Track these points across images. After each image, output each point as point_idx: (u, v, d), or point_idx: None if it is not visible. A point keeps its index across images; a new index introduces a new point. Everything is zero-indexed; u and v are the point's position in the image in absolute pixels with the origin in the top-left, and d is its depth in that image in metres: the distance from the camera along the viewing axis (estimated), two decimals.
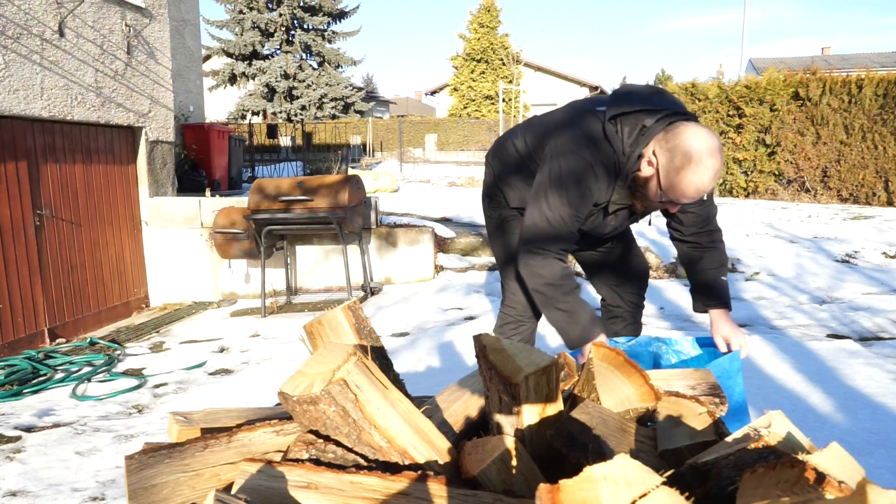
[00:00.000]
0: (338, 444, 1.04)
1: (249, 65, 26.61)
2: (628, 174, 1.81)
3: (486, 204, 2.35)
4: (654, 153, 1.74)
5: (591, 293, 5.49)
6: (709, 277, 2.18)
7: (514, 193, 2.17)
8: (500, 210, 2.27)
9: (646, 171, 1.77)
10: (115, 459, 2.93)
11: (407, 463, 1.00)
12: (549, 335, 4.24)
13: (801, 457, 0.70)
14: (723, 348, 2.10)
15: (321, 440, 1.05)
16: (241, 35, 26.31)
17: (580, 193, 1.83)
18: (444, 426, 1.17)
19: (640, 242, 6.76)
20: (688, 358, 2.12)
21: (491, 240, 2.38)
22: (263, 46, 26.76)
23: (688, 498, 0.66)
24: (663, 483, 0.65)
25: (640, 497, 0.63)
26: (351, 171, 12.50)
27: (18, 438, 3.27)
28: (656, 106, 1.78)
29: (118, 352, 4.91)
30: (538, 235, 1.88)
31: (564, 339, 1.90)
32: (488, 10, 29.62)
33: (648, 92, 1.86)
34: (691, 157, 1.66)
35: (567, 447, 0.97)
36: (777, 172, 9.98)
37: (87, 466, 2.88)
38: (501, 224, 2.29)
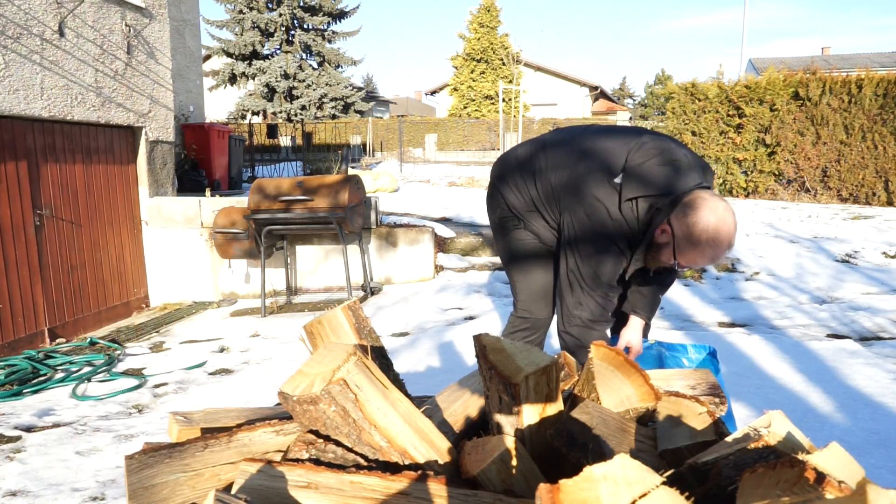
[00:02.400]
0: (338, 443, 1.04)
1: (249, 65, 26.61)
2: (643, 246, 1.94)
3: (490, 204, 2.38)
4: (668, 222, 1.84)
5: None
6: (649, 290, 2.23)
7: (541, 229, 2.22)
8: (503, 209, 2.30)
9: (660, 238, 1.87)
10: (116, 459, 2.93)
11: (407, 463, 1.00)
12: (549, 335, 4.24)
13: (801, 457, 0.70)
14: (621, 346, 2.20)
15: (321, 440, 1.05)
16: (241, 35, 26.31)
17: (623, 235, 1.95)
18: (444, 426, 1.17)
19: None
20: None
21: (505, 234, 2.40)
22: (263, 46, 26.76)
23: (688, 498, 0.66)
24: (663, 483, 0.65)
25: (640, 497, 0.63)
26: (351, 171, 12.50)
27: (18, 438, 3.27)
28: (671, 190, 1.86)
29: (118, 352, 4.91)
30: (605, 282, 2.02)
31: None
32: (488, 10, 29.63)
33: (662, 163, 1.91)
34: (709, 235, 1.77)
35: (567, 447, 0.97)
36: (777, 172, 9.98)
37: (87, 466, 2.88)
38: (503, 222, 2.32)
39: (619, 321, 2.46)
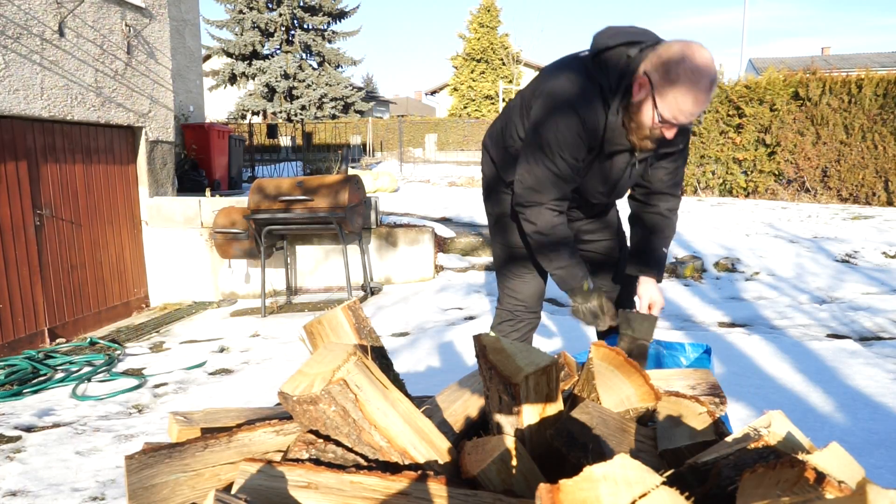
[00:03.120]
0: (338, 443, 1.04)
1: (249, 65, 26.61)
2: (619, 108, 1.78)
3: (488, 198, 2.32)
4: (644, 73, 1.70)
5: None
6: (654, 246, 2.15)
7: None
8: (503, 206, 2.25)
9: (638, 95, 1.72)
10: (115, 459, 2.93)
11: (407, 463, 1.00)
12: (549, 335, 4.24)
13: (801, 457, 0.70)
14: (644, 308, 2.15)
15: (321, 440, 1.05)
16: (241, 35, 26.32)
17: (568, 140, 1.82)
18: (444, 426, 1.17)
19: None
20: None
21: (492, 236, 2.36)
22: (263, 46, 26.76)
23: (688, 498, 0.66)
24: (663, 483, 0.65)
25: (640, 497, 0.63)
26: (351, 171, 12.50)
27: (18, 438, 3.27)
28: (639, 38, 1.77)
29: (118, 352, 4.91)
30: (530, 187, 1.92)
31: (560, 286, 2.03)
32: (488, 10, 29.63)
33: (630, 28, 1.85)
34: (688, 68, 1.62)
35: (567, 447, 0.97)
36: (777, 172, 9.98)
37: (87, 466, 2.88)
38: (501, 219, 2.28)
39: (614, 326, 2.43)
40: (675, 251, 6.04)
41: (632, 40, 1.77)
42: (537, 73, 2.19)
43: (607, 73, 1.78)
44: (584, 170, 1.95)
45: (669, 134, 1.76)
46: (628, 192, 2.21)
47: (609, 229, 2.34)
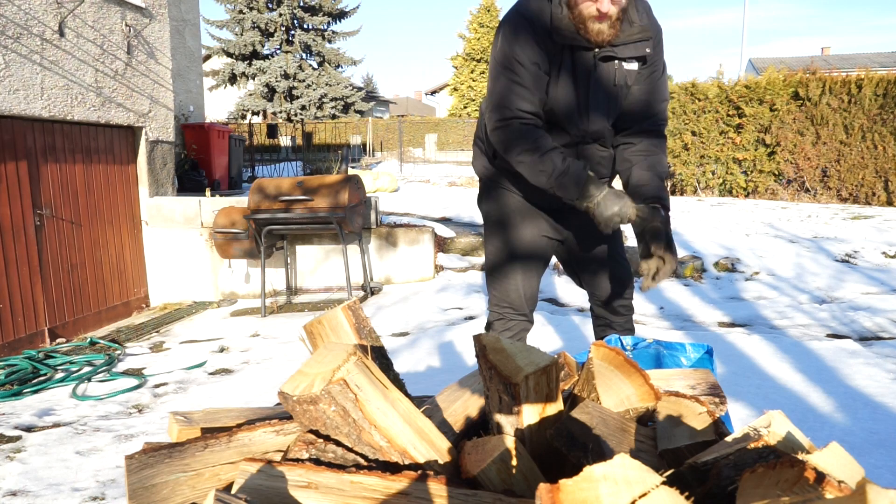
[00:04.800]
0: (338, 443, 1.04)
1: (249, 65, 26.61)
2: (562, 3, 1.81)
3: (481, 198, 2.29)
4: None
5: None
6: (645, 177, 1.97)
7: None
8: (495, 202, 2.21)
9: None
10: (116, 459, 2.93)
11: (407, 463, 1.00)
12: (549, 335, 4.24)
13: (800, 456, 0.70)
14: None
15: (321, 440, 1.05)
16: (241, 35, 26.31)
17: (519, 42, 1.83)
18: (444, 426, 1.17)
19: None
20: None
21: (489, 234, 2.29)
22: (263, 46, 26.76)
23: (688, 498, 0.66)
24: (663, 483, 0.65)
25: (640, 497, 0.63)
26: (351, 171, 12.50)
27: (19, 438, 3.27)
28: None
29: (118, 351, 4.91)
30: (496, 106, 1.89)
31: (570, 195, 1.86)
32: (488, 10, 29.63)
33: None
34: None
35: (567, 447, 0.97)
36: (777, 172, 9.98)
37: (87, 466, 2.88)
38: (490, 217, 2.25)
39: (602, 326, 2.39)
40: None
41: None
42: None
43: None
44: (551, 85, 1.89)
45: (603, 6, 1.73)
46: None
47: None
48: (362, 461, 1.02)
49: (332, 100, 27.14)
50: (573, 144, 2.01)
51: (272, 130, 17.76)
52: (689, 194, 10.57)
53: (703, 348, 2.11)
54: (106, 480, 2.73)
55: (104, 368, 4.47)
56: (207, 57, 26.41)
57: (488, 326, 2.32)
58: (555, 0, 1.82)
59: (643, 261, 1.84)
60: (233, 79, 26.98)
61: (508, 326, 2.24)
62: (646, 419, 1.15)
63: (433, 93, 34.46)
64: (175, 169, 7.34)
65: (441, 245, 6.74)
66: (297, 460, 0.99)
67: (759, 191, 10.15)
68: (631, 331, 2.36)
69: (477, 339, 1.11)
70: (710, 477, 0.85)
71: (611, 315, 2.32)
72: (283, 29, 26.51)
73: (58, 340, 5.51)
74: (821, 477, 0.65)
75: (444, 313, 5.08)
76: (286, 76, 26.39)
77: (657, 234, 1.81)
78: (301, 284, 6.50)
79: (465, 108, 29.81)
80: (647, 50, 1.92)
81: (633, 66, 1.93)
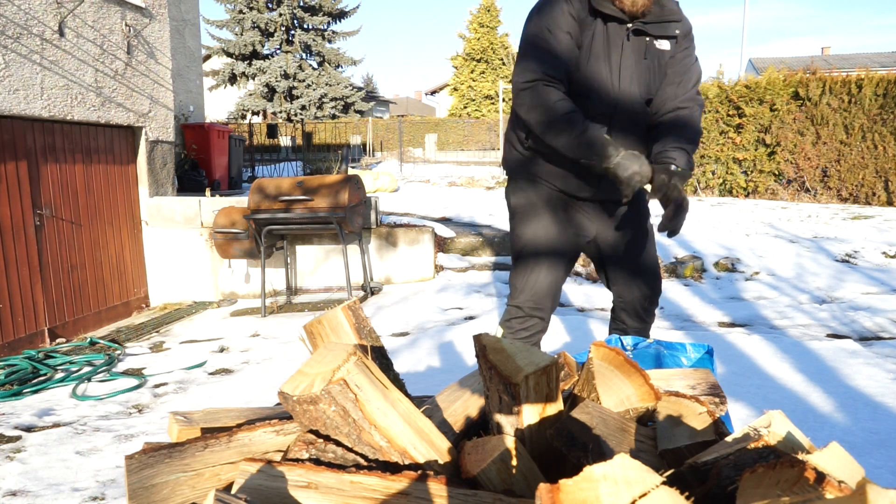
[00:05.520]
0: (338, 443, 1.04)
1: (249, 65, 26.61)
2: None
3: (517, 185, 2.22)
4: None
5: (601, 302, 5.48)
6: (668, 143, 1.97)
7: None
8: (540, 190, 2.17)
9: None
10: (116, 459, 2.93)
11: (407, 462, 1.00)
12: (549, 334, 4.24)
13: (800, 456, 0.70)
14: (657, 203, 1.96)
15: (321, 440, 1.05)
16: (241, 35, 26.31)
17: (551, 14, 1.90)
18: (444, 426, 1.17)
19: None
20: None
21: (518, 225, 2.23)
22: (263, 46, 26.76)
23: (688, 498, 0.66)
24: (663, 483, 0.65)
25: (640, 497, 0.63)
26: (351, 171, 12.50)
27: (18, 438, 3.27)
28: None
29: (118, 351, 4.91)
30: (522, 69, 1.93)
31: (589, 156, 1.87)
32: (488, 10, 29.63)
33: None
34: None
35: (567, 447, 0.97)
36: (777, 172, 9.98)
37: (87, 466, 2.88)
38: (518, 208, 2.21)
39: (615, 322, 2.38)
40: (675, 251, 6.04)
41: None
42: None
43: None
44: (583, 56, 1.95)
45: None
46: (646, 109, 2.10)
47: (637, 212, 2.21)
48: (362, 461, 1.02)
49: (332, 100, 27.14)
50: (606, 116, 2.02)
51: (272, 130, 17.76)
52: (689, 194, 10.57)
53: (703, 348, 2.11)
54: (106, 480, 2.73)
55: (104, 368, 4.47)
56: (207, 57, 26.42)
57: (505, 322, 2.24)
58: None
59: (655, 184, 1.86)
60: (233, 79, 26.98)
61: (526, 326, 2.18)
62: (646, 419, 1.15)
63: (433, 93, 34.46)
64: (175, 169, 7.34)
65: (441, 245, 6.74)
66: (297, 460, 0.99)
67: (759, 191, 10.15)
68: (646, 326, 2.34)
69: (477, 339, 1.11)
70: (710, 477, 0.85)
71: (630, 319, 2.29)
72: (283, 29, 26.51)
73: (58, 340, 5.51)
74: (821, 477, 0.65)
75: (444, 313, 5.08)
76: (286, 76, 26.39)
77: (681, 205, 1.86)
78: (301, 284, 6.50)
79: (465, 108, 29.81)
80: (677, 31, 1.98)
81: (665, 45, 1.99)
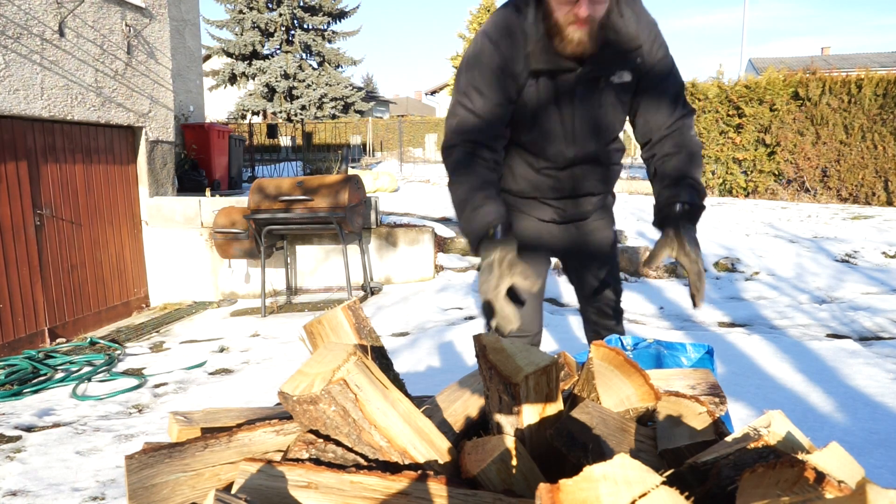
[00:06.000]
0: (338, 443, 1.04)
1: (249, 65, 26.61)
2: (535, 17, 1.61)
3: None
4: None
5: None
6: (673, 173, 1.71)
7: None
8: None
9: None
10: (116, 459, 2.93)
11: (407, 462, 1.00)
12: (549, 335, 4.24)
13: (800, 456, 0.70)
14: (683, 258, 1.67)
15: (321, 440, 1.05)
16: (241, 35, 26.31)
17: (486, 74, 1.64)
18: (444, 426, 1.17)
19: (640, 242, 6.75)
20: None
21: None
22: (263, 46, 26.75)
23: (688, 497, 0.66)
24: (663, 483, 0.65)
25: (640, 497, 0.63)
26: (351, 171, 12.50)
27: (19, 438, 3.27)
28: None
29: (118, 351, 4.91)
30: (451, 130, 1.70)
31: (468, 235, 1.60)
32: (488, 10, 29.60)
33: None
34: None
35: (567, 447, 0.97)
36: (777, 172, 9.98)
37: (87, 466, 2.88)
38: (518, 224, 2.09)
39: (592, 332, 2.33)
40: None
41: None
42: None
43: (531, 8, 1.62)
44: (529, 113, 1.74)
45: (581, 10, 1.52)
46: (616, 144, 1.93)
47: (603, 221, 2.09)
48: (362, 461, 1.02)
49: (332, 100, 27.14)
50: (564, 169, 1.87)
51: (272, 130, 17.76)
52: None
53: (703, 348, 2.11)
54: (106, 480, 2.73)
55: (104, 368, 4.47)
56: (207, 57, 26.42)
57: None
58: (528, 16, 1.62)
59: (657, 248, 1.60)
60: (233, 79, 26.98)
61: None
62: (646, 419, 1.15)
63: (433, 93, 34.45)
64: (175, 169, 7.34)
65: (441, 245, 6.74)
66: (297, 460, 0.99)
67: (759, 191, 10.15)
68: (622, 334, 2.32)
69: (477, 338, 1.11)
70: (710, 477, 0.85)
71: (603, 319, 2.27)
72: (283, 29, 26.51)
73: (58, 340, 5.51)
74: (821, 477, 0.65)
75: (444, 313, 5.08)
76: (286, 76, 26.38)
77: (671, 219, 1.59)
78: (301, 284, 6.50)
79: None
80: (638, 60, 1.71)
81: (626, 78, 1.74)
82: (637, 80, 1.75)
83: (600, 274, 2.20)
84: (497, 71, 1.64)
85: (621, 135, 1.99)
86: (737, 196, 10.32)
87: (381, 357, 1.31)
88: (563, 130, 1.77)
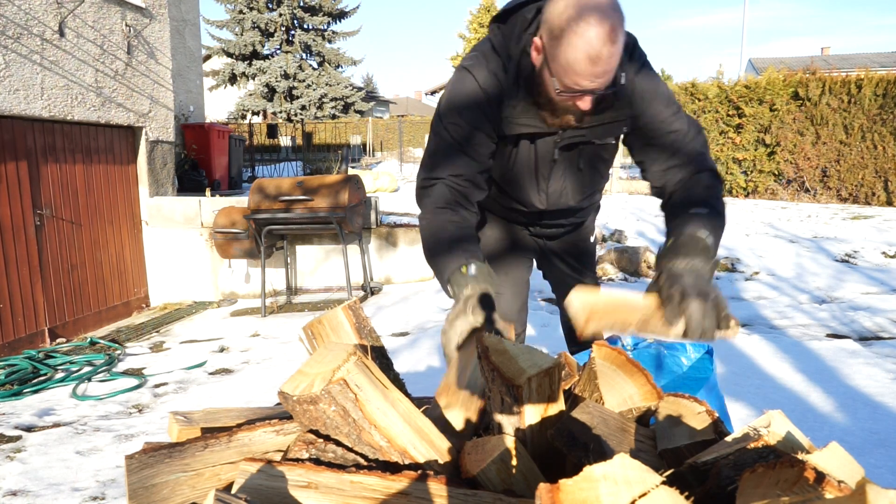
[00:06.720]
0: (338, 443, 1.04)
1: (249, 65, 26.61)
2: (519, 79, 1.51)
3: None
4: (540, 37, 1.41)
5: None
6: (680, 214, 1.44)
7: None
8: (487, 231, 2.14)
9: (536, 59, 1.44)
10: (116, 459, 2.93)
11: (407, 462, 1.00)
12: (549, 334, 4.24)
13: (800, 456, 0.70)
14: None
15: (321, 440, 1.05)
16: (241, 35, 26.31)
17: (463, 99, 1.55)
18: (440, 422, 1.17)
19: (640, 242, 6.74)
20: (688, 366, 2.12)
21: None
22: (263, 46, 26.76)
23: (687, 497, 0.66)
24: (663, 482, 0.65)
25: (640, 496, 0.63)
26: (351, 171, 12.50)
27: (19, 438, 3.27)
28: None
29: (118, 351, 4.91)
30: (426, 165, 1.59)
31: (440, 281, 1.47)
32: (488, 10, 29.59)
33: None
34: (574, 14, 1.31)
35: (568, 447, 0.97)
36: (777, 172, 9.98)
37: (87, 466, 2.88)
38: (490, 247, 2.14)
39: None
40: None
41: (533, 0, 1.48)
42: None
43: (509, 42, 1.52)
44: (503, 166, 1.69)
45: (584, 104, 1.42)
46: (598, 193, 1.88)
47: (573, 252, 2.08)
48: (362, 461, 1.02)
49: (332, 100, 27.14)
50: (531, 212, 1.83)
51: (272, 130, 17.77)
52: None
53: (703, 348, 2.12)
54: (106, 480, 2.73)
55: (104, 368, 4.47)
56: (207, 57, 26.41)
57: None
58: (510, 74, 1.51)
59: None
60: (233, 79, 26.98)
61: None
62: (646, 419, 1.15)
63: (433, 93, 34.40)
64: (175, 169, 7.34)
65: None
66: (297, 460, 0.99)
67: (759, 191, 10.15)
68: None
69: (479, 340, 1.11)
70: (709, 477, 0.85)
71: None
72: (283, 29, 26.51)
73: (58, 340, 5.51)
74: (820, 477, 0.65)
75: (444, 313, 5.08)
76: (286, 76, 26.38)
77: (673, 278, 1.26)
78: (301, 284, 6.50)
79: None
80: (624, 129, 1.59)
81: (610, 141, 1.65)
82: (626, 138, 1.65)
83: (574, 272, 2.21)
84: (476, 104, 1.54)
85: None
86: (737, 196, 10.32)
87: (381, 357, 1.31)
88: (536, 187, 1.72)
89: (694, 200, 1.45)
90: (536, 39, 1.42)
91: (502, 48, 1.53)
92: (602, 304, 1.25)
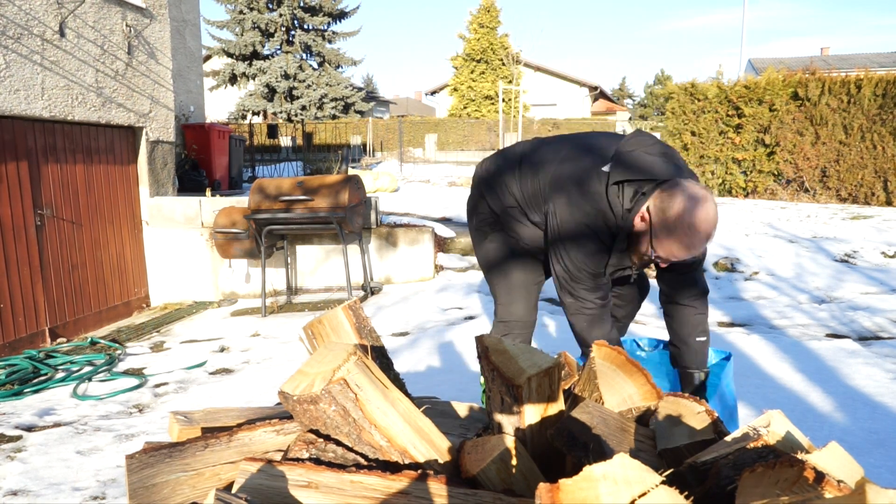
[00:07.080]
0: (338, 443, 1.04)
1: (250, 65, 26.60)
2: (624, 236, 1.88)
3: (487, 228, 2.34)
4: (647, 209, 1.78)
5: None
6: (688, 343, 2.14)
7: (521, 229, 2.18)
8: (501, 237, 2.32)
9: (639, 226, 1.82)
10: (116, 459, 2.93)
11: (407, 462, 1.00)
12: (549, 334, 4.24)
13: (800, 456, 0.70)
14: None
15: (321, 439, 1.05)
16: (242, 35, 26.30)
17: (593, 254, 1.92)
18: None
19: None
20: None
21: (492, 268, 2.36)
22: (264, 46, 26.74)
23: (687, 497, 0.66)
24: (662, 482, 0.65)
25: (640, 496, 0.63)
26: (351, 171, 12.50)
27: (19, 438, 3.27)
28: (658, 175, 1.81)
29: (119, 351, 4.91)
30: (589, 288, 1.97)
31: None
32: (488, 11, 29.60)
33: (654, 153, 1.87)
34: (684, 221, 1.69)
35: (568, 446, 0.97)
36: (776, 172, 9.98)
37: (87, 466, 2.88)
38: (505, 252, 2.31)
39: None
40: None
41: (651, 178, 1.81)
42: (553, 139, 2.21)
43: (622, 203, 1.85)
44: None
45: (663, 264, 1.88)
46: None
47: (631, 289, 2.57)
48: (362, 461, 1.03)
49: (332, 100, 27.13)
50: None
51: (272, 130, 17.77)
52: None
53: (722, 354, 2.14)
54: (107, 480, 2.73)
55: (105, 368, 4.47)
56: (208, 57, 26.41)
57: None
58: (620, 235, 1.89)
59: None
60: (233, 79, 26.97)
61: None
62: (646, 419, 1.15)
63: (433, 93, 34.41)
64: (175, 169, 7.34)
65: (441, 245, 6.74)
66: (298, 460, 0.99)
67: (759, 191, 10.15)
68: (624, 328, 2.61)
69: (479, 340, 1.11)
70: (709, 476, 0.85)
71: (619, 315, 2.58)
72: (284, 29, 26.50)
73: (58, 340, 5.51)
74: (820, 476, 0.65)
75: (444, 313, 5.08)
76: (286, 76, 26.37)
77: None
78: (301, 284, 6.50)
79: (464, 108, 29.78)
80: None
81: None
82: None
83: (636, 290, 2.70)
84: (612, 233, 1.90)
85: None
86: (736, 196, 10.32)
87: (381, 357, 1.31)
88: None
89: (694, 327, 2.12)
90: (644, 212, 1.79)
91: (617, 207, 1.86)
92: None
